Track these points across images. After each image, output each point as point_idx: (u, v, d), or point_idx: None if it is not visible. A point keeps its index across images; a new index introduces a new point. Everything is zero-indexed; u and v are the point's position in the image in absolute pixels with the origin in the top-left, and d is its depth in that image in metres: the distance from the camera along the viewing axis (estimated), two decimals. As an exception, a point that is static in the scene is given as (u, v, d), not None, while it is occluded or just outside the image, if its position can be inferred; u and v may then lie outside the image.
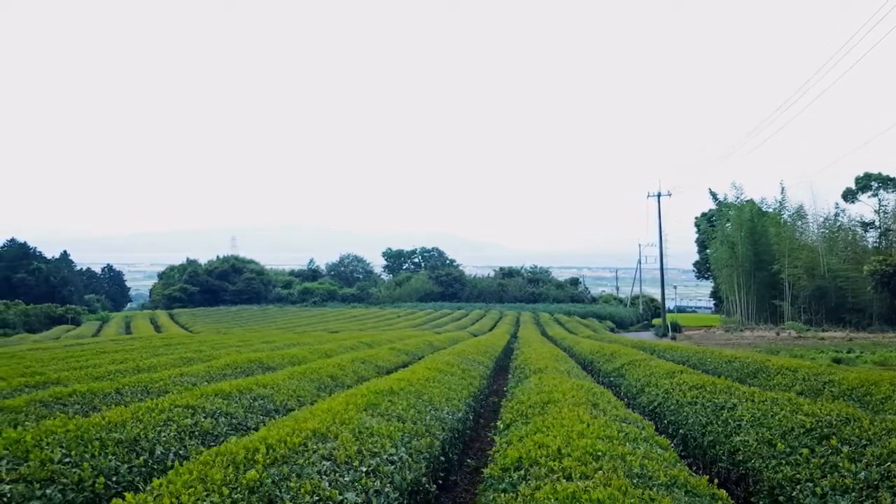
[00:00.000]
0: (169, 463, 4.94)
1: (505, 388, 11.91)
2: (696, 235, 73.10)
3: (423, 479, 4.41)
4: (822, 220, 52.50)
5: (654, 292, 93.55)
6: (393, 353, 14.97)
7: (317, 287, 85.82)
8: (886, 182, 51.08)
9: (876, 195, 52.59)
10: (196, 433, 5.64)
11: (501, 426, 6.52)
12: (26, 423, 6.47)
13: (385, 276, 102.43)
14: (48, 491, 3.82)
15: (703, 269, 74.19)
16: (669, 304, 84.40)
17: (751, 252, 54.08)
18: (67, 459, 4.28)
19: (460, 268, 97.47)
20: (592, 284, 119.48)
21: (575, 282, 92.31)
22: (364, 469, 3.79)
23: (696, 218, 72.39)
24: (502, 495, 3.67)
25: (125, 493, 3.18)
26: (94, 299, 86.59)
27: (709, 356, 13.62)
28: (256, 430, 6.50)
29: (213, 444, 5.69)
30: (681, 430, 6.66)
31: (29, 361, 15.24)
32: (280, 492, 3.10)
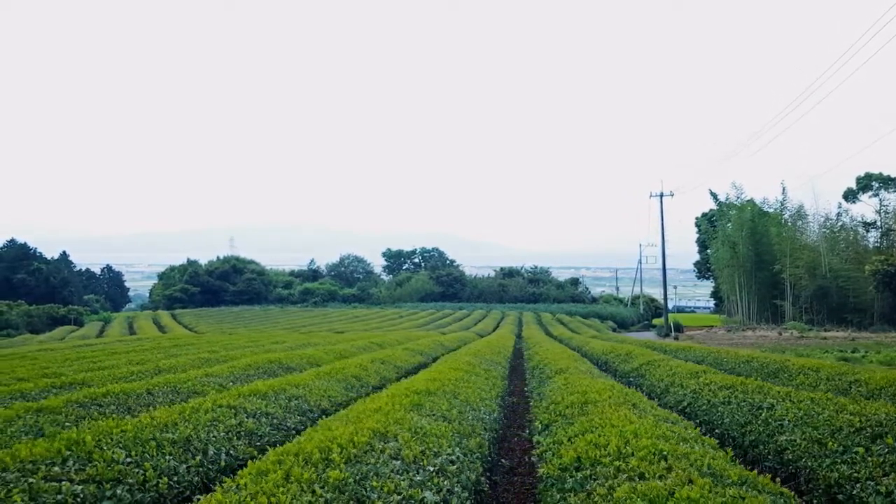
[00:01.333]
0: (223, 463, 4.98)
1: (525, 389, 11.95)
2: (697, 235, 73.19)
3: (482, 478, 4.45)
4: (823, 219, 52.64)
5: (653, 292, 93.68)
6: (408, 354, 15.00)
7: (317, 287, 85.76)
8: (887, 182, 51.21)
9: (877, 195, 52.71)
10: (242, 433, 5.66)
11: (539, 426, 6.55)
12: (66, 423, 6.51)
13: (385, 277, 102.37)
14: (118, 491, 3.85)
15: (703, 269, 74.28)
16: (668, 305, 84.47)
17: (752, 252, 54.19)
18: (129, 460, 4.30)
19: (460, 268, 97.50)
20: (591, 284, 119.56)
21: (575, 282, 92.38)
22: (431, 469, 3.82)
23: (697, 218, 72.49)
24: (571, 495, 3.71)
25: (214, 487, 3.21)
26: (93, 300, 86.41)
27: (724, 356, 13.66)
28: (297, 430, 6.54)
29: (258, 443, 5.72)
30: (716, 430, 6.70)
31: (43, 362, 15.24)
32: (366, 491, 3.13)
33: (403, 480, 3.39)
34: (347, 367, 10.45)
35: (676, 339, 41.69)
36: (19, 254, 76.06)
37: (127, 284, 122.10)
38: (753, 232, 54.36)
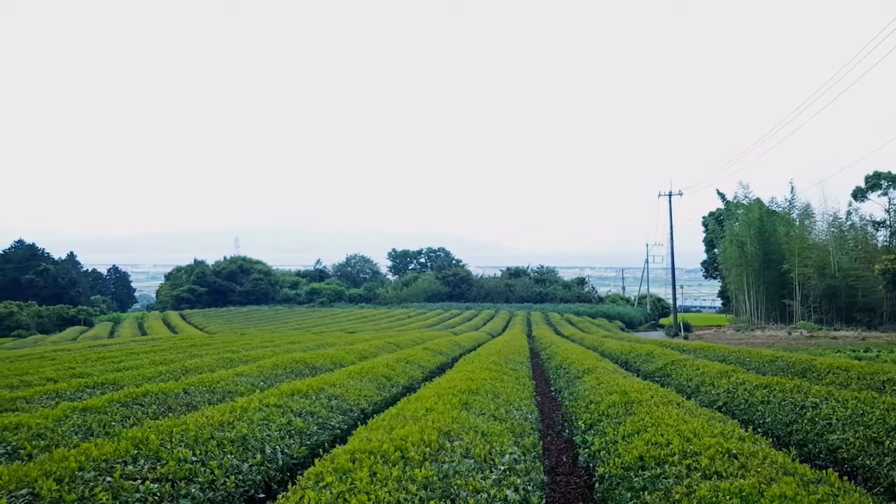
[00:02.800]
0: (280, 462, 5.02)
1: (551, 389, 11.97)
2: (704, 235, 73.07)
3: (544, 477, 4.47)
4: (832, 218, 52.49)
5: (659, 292, 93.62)
6: (430, 354, 15.03)
7: (324, 287, 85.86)
8: (896, 181, 51.06)
9: (886, 194, 52.56)
10: (292, 432, 5.70)
11: (583, 426, 6.58)
12: (112, 422, 6.56)
13: (391, 277, 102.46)
14: (192, 490, 3.88)
15: (710, 268, 74.18)
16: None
17: (760, 251, 54.09)
18: (194, 459, 4.34)
19: (466, 268, 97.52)
20: (596, 284, 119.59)
21: (581, 282, 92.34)
22: (502, 468, 3.85)
23: (704, 217, 72.40)
24: (645, 494, 3.73)
25: (291, 483, 3.24)
26: (100, 300, 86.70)
27: (747, 356, 13.65)
28: (340, 429, 6.58)
29: (307, 442, 5.75)
30: (758, 429, 6.70)
31: (65, 363, 15.30)
32: (453, 489, 3.15)
33: (483, 479, 3.41)
34: (376, 367, 10.48)
35: (686, 338, 41.64)
36: (27, 254, 76.39)
37: (133, 285, 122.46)
38: (761, 231, 54.25)
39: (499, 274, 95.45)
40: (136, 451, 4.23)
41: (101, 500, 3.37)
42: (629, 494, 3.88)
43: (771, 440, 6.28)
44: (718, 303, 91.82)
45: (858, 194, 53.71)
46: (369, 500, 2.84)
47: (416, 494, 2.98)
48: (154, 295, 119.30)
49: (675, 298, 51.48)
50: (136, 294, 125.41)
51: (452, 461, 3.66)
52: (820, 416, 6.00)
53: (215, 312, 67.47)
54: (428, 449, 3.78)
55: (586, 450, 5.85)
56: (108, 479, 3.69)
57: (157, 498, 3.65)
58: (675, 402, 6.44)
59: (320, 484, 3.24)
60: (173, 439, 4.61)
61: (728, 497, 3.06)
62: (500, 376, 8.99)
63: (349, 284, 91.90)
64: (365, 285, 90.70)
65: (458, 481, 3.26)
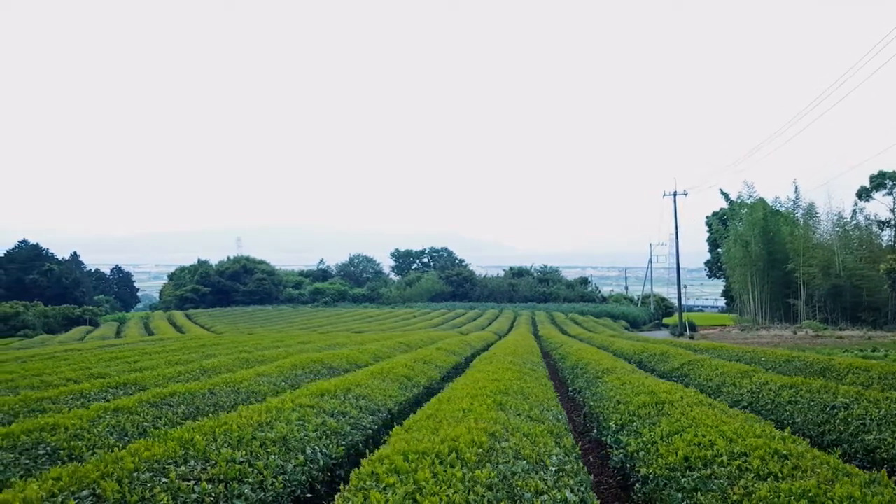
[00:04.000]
0: (321, 462, 5.03)
1: (569, 389, 11.98)
2: (708, 235, 73.03)
3: (591, 478, 4.48)
4: (836, 218, 52.47)
5: (662, 292, 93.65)
6: (444, 354, 15.04)
7: (328, 287, 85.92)
8: (902, 180, 51.01)
9: (891, 193, 52.53)
10: (328, 432, 5.71)
11: (613, 426, 6.59)
12: (144, 423, 6.58)
13: (394, 277, 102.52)
14: (245, 490, 3.90)
15: (714, 268, 74.10)
16: (676, 303, 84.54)
17: (764, 251, 54.09)
18: (241, 459, 4.36)
19: (469, 267, 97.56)
20: (598, 284, 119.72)
21: (585, 281, 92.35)
22: (553, 469, 3.86)
23: (708, 217, 72.36)
24: (697, 494, 3.74)
25: (318, 486, 3.25)
26: (103, 300, 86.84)
27: (762, 355, 13.65)
28: (371, 429, 6.60)
29: (342, 442, 5.77)
30: (787, 429, 6.71)
31: (78, 363, 15.33)
32: (516, 490, 3.17)
33: (542, 480, 3.43)
34: (395, 368, 10.49)
35: (692, 338, 41.65)
36: (31, 254, 76.49)
37: (135, 285, 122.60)
38: (765, 231, 54.25)
39: (499, 274, 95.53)
40: (183, 452, 4.25)
41: (161, 500, 3.39)
42: (680, 495, 3.90)
43: (805, 441, 6.30)
44: (721, 302, 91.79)
45: (863, 194, 53.68)
46: (441, 501, 2.86)
47: (483, 496, 2.99)
48: (156, 295, 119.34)
49: (680, 298, 51.50)
50: (139, 294, 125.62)
51: (507, 462, 3.67)
52: (853, 416, 6.01)
53: (220, 312, 67.54)
54: (480, 450, 3.80)
55: (620, 450, 5.86)
56: (164, 479, 3.71)
57: (212, 498, 3.67)
58: (706, 402, 6.46)
59: (381, 484, 3.25)
60: (218, 440, 4.63)
61: (792, 498, 3.07)
62: (522, 377, 9.00)
63: (352, 284, 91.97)
64: (368, 285, 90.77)
65: (519, 482, 3.28)
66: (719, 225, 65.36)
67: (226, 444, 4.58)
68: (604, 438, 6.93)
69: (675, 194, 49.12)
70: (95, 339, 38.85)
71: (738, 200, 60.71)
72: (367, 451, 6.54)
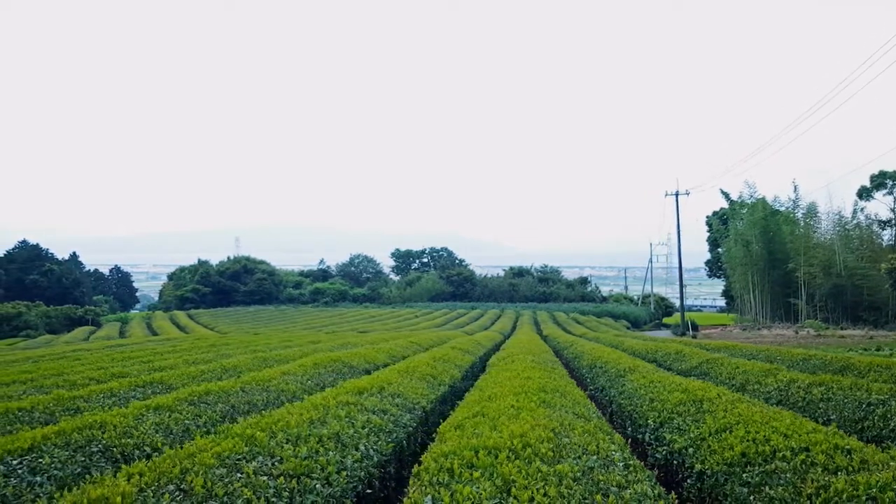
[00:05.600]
0: (375, 459, 5.08)
1: (590, 388, 12.03)
2: (708, 234, 73.23)
3: (651, 472, 4.54)
4: (837, 218, 52.67)
5: (660, 291, 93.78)
6: (458, 353, 15.10)
7: (328, 287, 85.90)
8: (902, 180, 51.22)
9: (891, 193, 52.79)
10: (374, 429, 5.75)
11: (652, 424, 6.65)
12: (185, 420, 6.62)
13: (394, 277, 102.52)
14: (317, 486, 3.94)
15: (714, 267, 74.29)
16: (676, 303, 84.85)
17: (765, 250, 54.26)
18: (305, 455, 4.40)
19: (469, 267, 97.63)
20: (596, 283, 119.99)
21: (584, 281, 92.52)
22: (620, 464, 3.91)
23: (708, 217, 72.54)
24: (766, 489, 3.79)
25: (375, 482, 3.30)
26: (102, 300, 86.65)
27: (777, 354, 13.73)
28: (411, 427, 6.64)
29: (388, 439, 5.81)
30: (833, 425, 6.79)
31: (92, 363, 15.32)
32: (599, 485, 3.22)
33: (619, 475, 3.47)
34: (418, 367, 10.54)
35: (695, 337, 41.78)
36: (32, 255, 76.33)
37: (134, 285, 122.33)
38: (766, 230, 54.43)
39: (499, 273, 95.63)
40: (248, 448, 4.29)
41: (244, 495, 3.43)
42: (745, 490, 3.95)
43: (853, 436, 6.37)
44: (720, 302, 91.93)
45: (864, 193, 53.89)
46: (535, 494, 2.90)
47: (573, 489, 3.04)
48: (153, 295, 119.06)
49: (682, 297, 51.65)
50: (137, 294, 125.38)
51: (579, 457, 3.73)
52: (892, 412, 6.08)
53: (223, 312, 67.48)
54: (551, 445, 3.85)
55: (663, 447, 5.92)
56: (239, 475, 3.75)
57: (288, 493, 3.72)
58: (744, 399, 6.51)
59: (461, 479, 3.30)
60: (277, 436, 4.67)
61: (873, 490, 3.13)
62: (551, 375, 9.06)
63: (353, 284, 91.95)
64: (368, 285, 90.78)
65: (601, 476, 3.33)
66: (720, 225, 65.55)
67: (286, 441, 4.62)
68: (639, 436, 6.99)
69: (677, 194, 49.28)
70: (100, 339, 38.80)
71: (739, 200, 60.88)
72: (409, 448, 6.60)
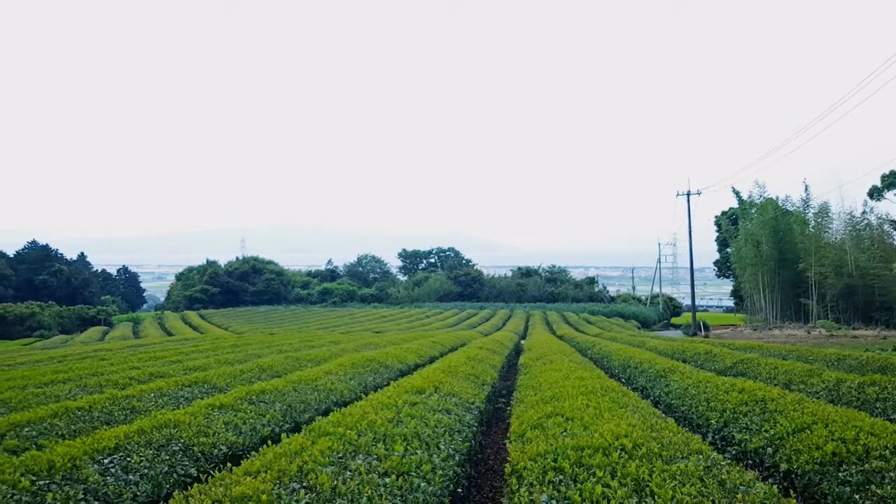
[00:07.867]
0: (457, 458, 5.11)
1: (629, 388, 12.04)
2: (717, 234, 73.13)
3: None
4: (848, 217, 52.52)
5: (667, 291, 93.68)
6: (487, 353, 15.13)
7: (336, 287, 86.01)
8: (913, 180, 51.04)
9: (902, 192, 52.61)
10: (447, 430, 5.79)
11: (715, 424, 6.67)
12: (248, 419, 6.67)
13: (401, 277, 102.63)
14: (421, 484, 3.98)
15: (723, 267, 74.14)
16: (683, 303, 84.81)
17: (775, 250, 54.16)
18: (400, 453, 4.43)
19: (476, 267, 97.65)
20: (603, 283, 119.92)
21: (592, 281, 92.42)
22: (724, 464, 3.93)
23: (717, 217, 72.44)
24: (872, 487, 3.81)
25: (464, 481, 3.33)
26: (109, 300, 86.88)
27: (808, 354, 13.73)
28: (474, 425, 6.67)
29: (463, 439, 5.84)
30: None
31: (120, 363, 15.36)
32: (727, 486, 3.24)
33: (736, 474, 3.50)
34: (459, 366, 10.57)
35: (707, 337, 41.73)
36: (41, 255, 76.63)
37: (141, 285, 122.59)
38: (776, 230, 54.33)
39: (506, 273, 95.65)
40: (345, 447, 4.33)
41: (365, 493, 3.47)
42: (847, 489, 3.97)
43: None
44: (726, 302, 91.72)
45: (875, 193, 53.73)
46: (678, 492, 2.94)
47: (709, 487, 3.07)
48: (159, 295, 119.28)
49: (693, 297, 51.58)
50: (144, 294, 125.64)
51: (686, 456, 3.75)
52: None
53: (233, 312, 67.62)
54: (655, 444, 3.88)
55: (733, 447, 5.95)
56: (349, 472, 3.79)
57: (399, 490, 3.75)
58: (808, 400, 6.53)
59: (582, 477, 3.33)
60: (365, 435, 4.71)
61: None
62: (590, 373, 9.09)
63: (360, 284, 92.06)
64: (376, 285, 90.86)
65: (723, 475, 3.36)
66: (729, 224, 65.43)
67: (374, 440, 4.66)
68: (698, 435, 7.00)
69: (688, 194, 49.24)
70: (116, 339, 38.92)
71: (749, 200, 60.76)
72: (475, 446, 6.63)
